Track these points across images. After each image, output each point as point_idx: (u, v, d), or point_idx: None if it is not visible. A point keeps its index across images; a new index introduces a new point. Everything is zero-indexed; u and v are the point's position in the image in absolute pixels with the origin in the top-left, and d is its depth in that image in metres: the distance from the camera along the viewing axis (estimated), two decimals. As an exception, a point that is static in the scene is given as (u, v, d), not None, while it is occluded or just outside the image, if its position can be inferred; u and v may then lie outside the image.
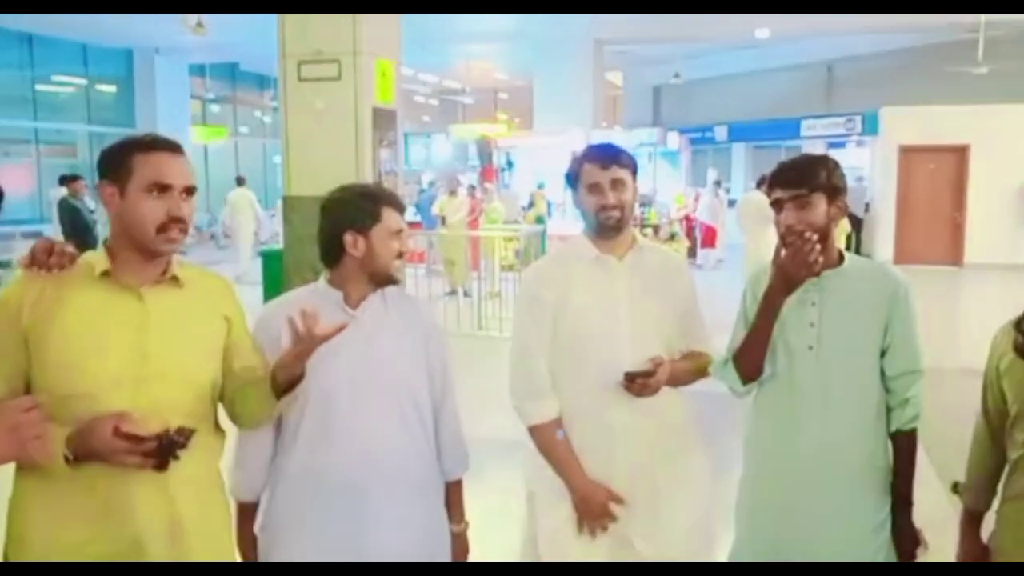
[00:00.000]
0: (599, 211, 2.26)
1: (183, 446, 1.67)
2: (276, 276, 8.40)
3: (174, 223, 1.77)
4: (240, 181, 15.80)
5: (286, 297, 2.22)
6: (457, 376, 2.28)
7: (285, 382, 1.88)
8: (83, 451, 1.65)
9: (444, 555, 2.21)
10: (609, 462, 2.28)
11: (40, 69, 18.68)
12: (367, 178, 7.45)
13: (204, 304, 1.91)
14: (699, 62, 22.02)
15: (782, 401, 2.22)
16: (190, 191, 1.82)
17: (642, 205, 14.91)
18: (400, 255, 2.12)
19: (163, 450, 1.65)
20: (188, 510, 1.81)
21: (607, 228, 2.28)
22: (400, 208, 2.14)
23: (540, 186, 15.49)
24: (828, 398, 2.16)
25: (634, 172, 2.31)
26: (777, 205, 2.17)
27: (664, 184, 16.94)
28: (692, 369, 2.36)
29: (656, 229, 14.36)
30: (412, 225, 13.16)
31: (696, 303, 2.42)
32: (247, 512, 2.14)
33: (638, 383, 2.18)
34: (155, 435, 1.65)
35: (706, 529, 2.40)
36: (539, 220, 14.16)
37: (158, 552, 1.76)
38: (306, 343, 1.80)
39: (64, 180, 10.44)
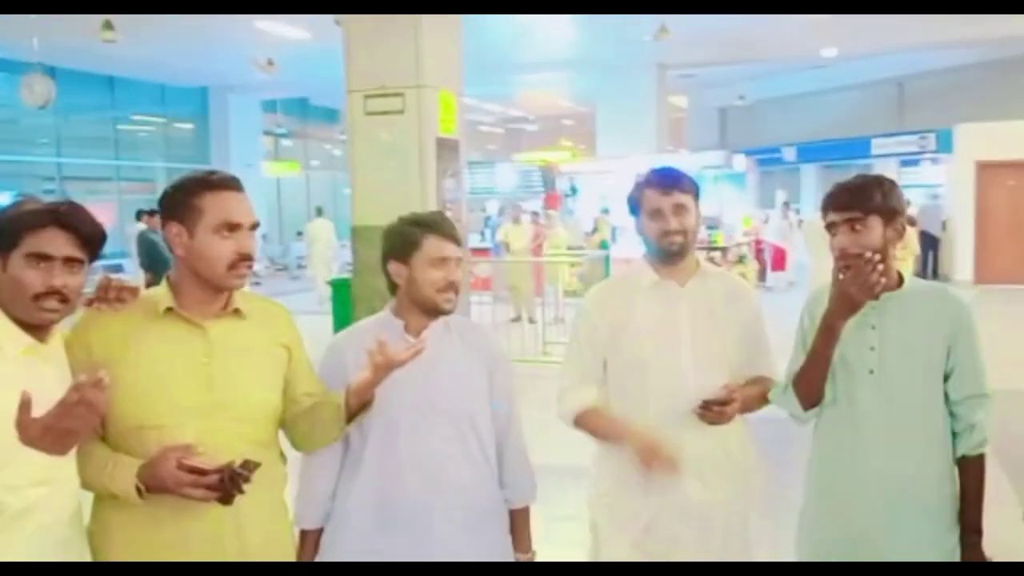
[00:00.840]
0: (661, 237, 2.24)
1: (247, 479, 1.68)
2: (346, 305, 8.56)
3: (243, 260, 1.82)
4: (319, 211, 16.06)
5: (354, 327, 2.25)
6: (521, 402, 2.27)
7: (357, 407, 1.92)
8: (153, 483, 1.69)
9: None
10: (680, 490, 2.24)
11: (121, 109, 19.50)
12: (431, 207, 7.57)
13: (266, 333, 1.96)
14: (764, 83, 21.78)
15: (843, 426, 2.17)
16: (255, 227, 1.87)
17: (708, 227, 14.78)
18: (450, 284, 2.06)
19: (227, 484, 1.67)
20: (254, 538, 1.85)
21: (670, 254, 2.26)
22: (448, 235, 2.08)
23: (604, 211, 15.45)
24: (891, 423, 2.10)
25: (696, 196, 2.28)
26: (831, 228, 2.12)
27: (731, 206, 16.74)
28: (759, 395, 2.32)
29: (724, 252, 14.18)
30: (477, 252, 13.27)
31: (763, 329, 2.38)
32: (310, 539, 2.14)
33: (714, 411, 2.15)
34: (218, 468, 1.67)
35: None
36: (603, 245, 14.12)
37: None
38: (383, 369, 1.84)
39: (141, 215, 10.82)
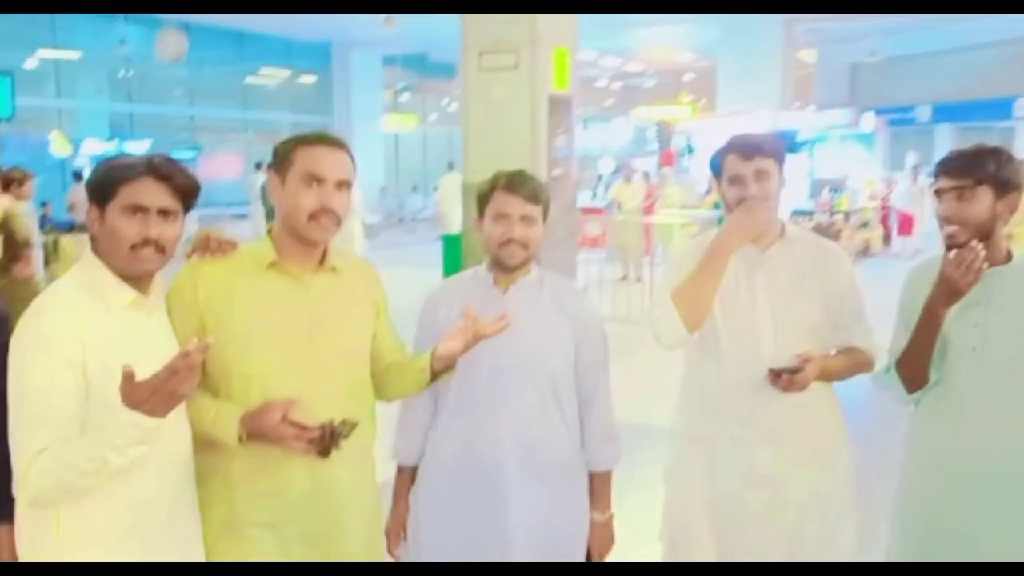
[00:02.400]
0: (740, 204, 2.20)
1: (346, 436, 1.77)
2: (456, 259, 8.70)
3: (325, 213, 1.86)
4: (451, 166, 16.17)
5: (450, 280, 2.34)
6: (622, 361, 2.26)
7: (440, 371, 2.01)
8: (254, 432, 1.79)
9: (581, 542, 2.23)
10: (750, 456, 2.23)
11: (249, 63, 20.21)
12: (542, 164, 7.55)
13: (360, 290, 2.04)
14: (899, 38, 20.54)
15: (943, 405, 2.09)
16: (343, 184, 1.90)
17: (832, 190, 14.20)
18: (510, 239, 2.09)
19: (326, 439, 1.76)
20: (344, 487, 1.94)
21: None
22: (515, 191, 2.10)
23: (721, 171, 15.05)
24: (994, 402, 2.01)
25: (780, 160, 2.22)
26: (939, 194, 2.05)
27: (858, 168, 16.01)
28: (848, 365, 2.26)
29: (847, 216, 13.63)
30: (589, 211, 13.20)
31: (856, 297, 2.29)
32: (405, 475, 2.26)
33: (784, 379, 2.11)
34: (320, 425, 1.76)
35: (844, 543, 2.30)
36: (716, 206, 13.79)
37: (313, 515, 1.90)
38: (472, 339, 1.94)
39: (260, 165, 11.16)
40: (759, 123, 13.44)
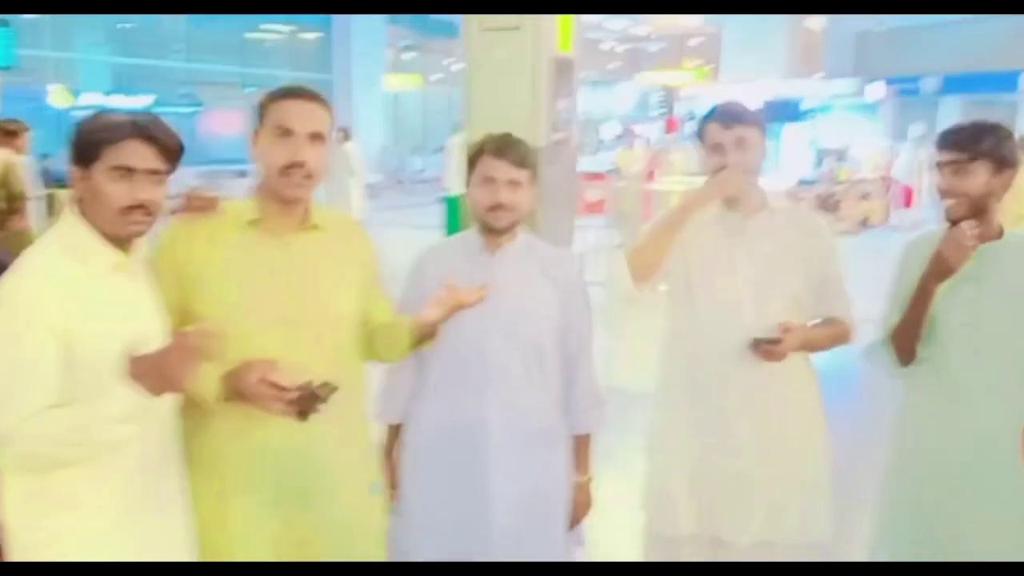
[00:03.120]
0: (718, 172, 2.19)
1: (324, 400, 1.76)
2: (455, 220, 8.69)
3: (296, 167, 1.81)
4: (458, 128, 15.99)
5: (439, 243, 2.36)
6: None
7: (422, 337, 2.00)
8: (233, 392, 1.79)
9: (562, 503, 2.26)
10: (727, 425, 2.25)
11: (249, 18, 19.94)
12: (543, 127, 7.49)
13: (344, 248, 2.01)
14: (908, 6, 20.31)
15: (935, 380, 2.10)
16: (316, 137, 1.84)
17: (838, 159, 14.12)
18: (496, 204, 2.09)
19: (305, 401, 1.75)
20: (328, 448, 1.93)
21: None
22: (501, 156, 2.10)
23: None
24: (986, 379, 2.02)
25: (761, 129, 2.22)
26: (938, 167, 2.07)
27: (861, 139, 15.91)
28: (828, 336, 2.28)
29: (847, 186, 13.56)
30: (592, 176, 13.13)
31: (837, 268, 2.32)
32: (393, 433, 2.29)
33: (763, 348, 2.13)
34: (297, 387, 1.74)
35: (822, 516, 2.32)
36: (720, 173, 13.70)
37: (297, 475, 1.90)
38: (451, 308, 1.93)
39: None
40: (763, 90, 13.33)
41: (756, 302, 2.20)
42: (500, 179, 2.11)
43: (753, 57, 16.57)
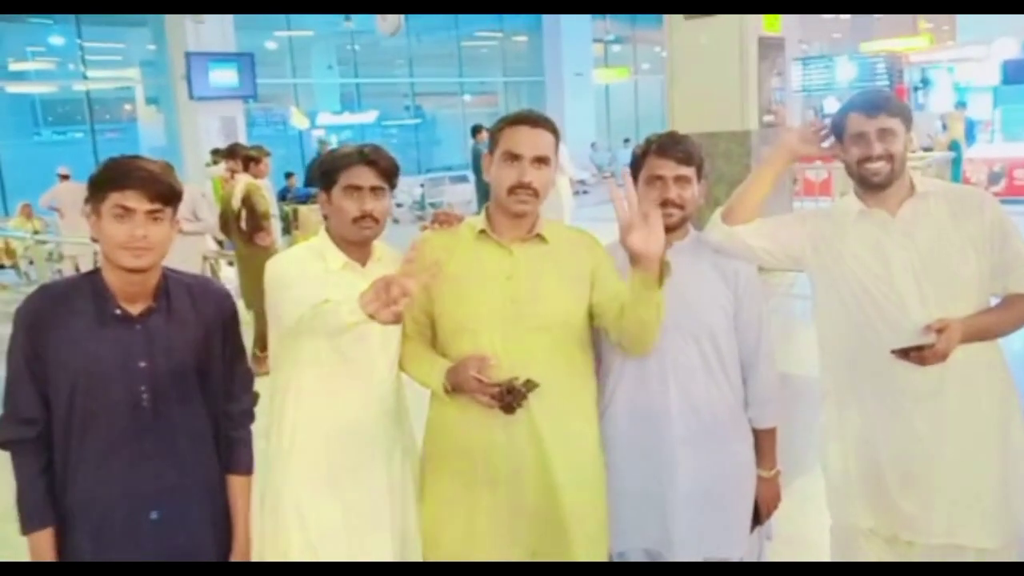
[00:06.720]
0: (863, 163, 2.10)
1: (524, 396, 1.94)
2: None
3: (522, 188, 2.05)
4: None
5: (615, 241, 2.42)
6: (785, 319, 2.24)
7: (658, 277, 2.05)
8: (455, 385, 2.03)
9: (748, 497, 2.24)
10: (905, 433, 2.13)
11: (464, 28, 20.89)
12: (751, 110, 7.31)
13: (568, 258, 2.15)
14: None
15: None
16: (541, 161, 2.06)
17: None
18: (666, 202, 2.14)
19: (506, 396, 1.92)
20: (553, 446, 2.06)
21: (871, 184, 2.12)
22: (676, 154, 2.14)
23: (959, 105, 13.72)
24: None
25: (906, 120, 2.11)
26: None
27: None
28: (1012, 317, 2.10)
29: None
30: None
31: (1011, 236, 2.10)
32: None
33: (913, 356, 2.00)
34: (498, 383, 1.94)
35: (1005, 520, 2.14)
36: (953, 146, 12.58)
37: (510, 466, 2.06)
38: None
39: (474, 131, 11.53)
40: (1004, 51, 12.13)
41: (923, 294, 2.08)
42: (668, 176, 2.16)
43: (993, 16, 15.08)
